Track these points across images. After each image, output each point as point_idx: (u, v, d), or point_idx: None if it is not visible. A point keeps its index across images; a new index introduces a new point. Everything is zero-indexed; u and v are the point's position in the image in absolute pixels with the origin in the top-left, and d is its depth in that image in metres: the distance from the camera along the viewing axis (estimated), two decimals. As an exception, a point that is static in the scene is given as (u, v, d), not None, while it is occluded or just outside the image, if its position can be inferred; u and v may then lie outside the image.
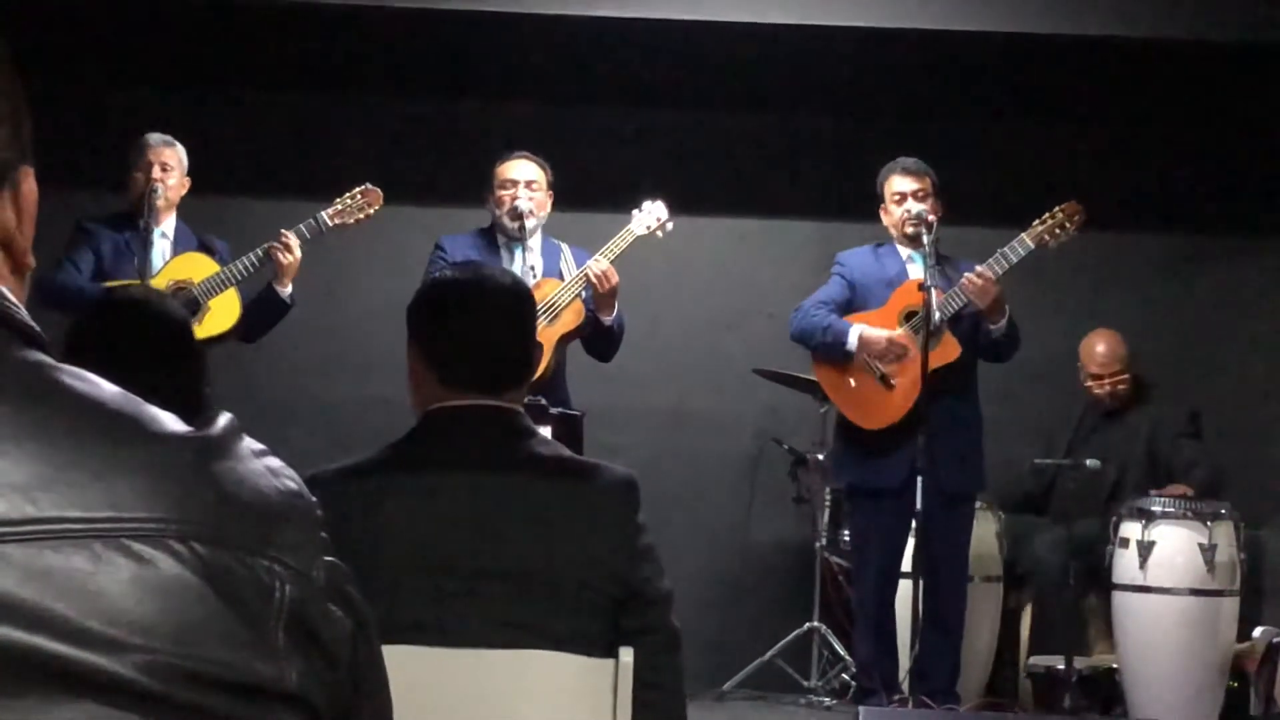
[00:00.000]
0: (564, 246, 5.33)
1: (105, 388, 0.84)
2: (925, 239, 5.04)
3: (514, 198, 5.21)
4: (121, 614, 0.75)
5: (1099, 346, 6.04)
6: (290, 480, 0.86)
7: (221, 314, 5.13)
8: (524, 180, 5.24)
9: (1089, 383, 6.04)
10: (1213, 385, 6.60)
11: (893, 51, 6.36)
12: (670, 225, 5.34)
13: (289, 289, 5.21)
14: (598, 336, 5.27)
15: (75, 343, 2.45)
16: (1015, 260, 5.13)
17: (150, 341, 2.43)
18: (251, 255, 5.14)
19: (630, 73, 6.61)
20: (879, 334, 5.17)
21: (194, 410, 0.87)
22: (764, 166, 6.76)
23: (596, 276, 5.11)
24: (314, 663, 0.82)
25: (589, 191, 6.19)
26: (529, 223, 5.17)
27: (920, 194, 5.21)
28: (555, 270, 5.26)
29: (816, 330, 5.22)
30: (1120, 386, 6.01)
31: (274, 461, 0.86)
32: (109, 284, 5.04)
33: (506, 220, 5.22)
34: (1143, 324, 6.54)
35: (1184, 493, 5.58)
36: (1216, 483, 5.79)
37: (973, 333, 5.22)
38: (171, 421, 0.83)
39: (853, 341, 5.18)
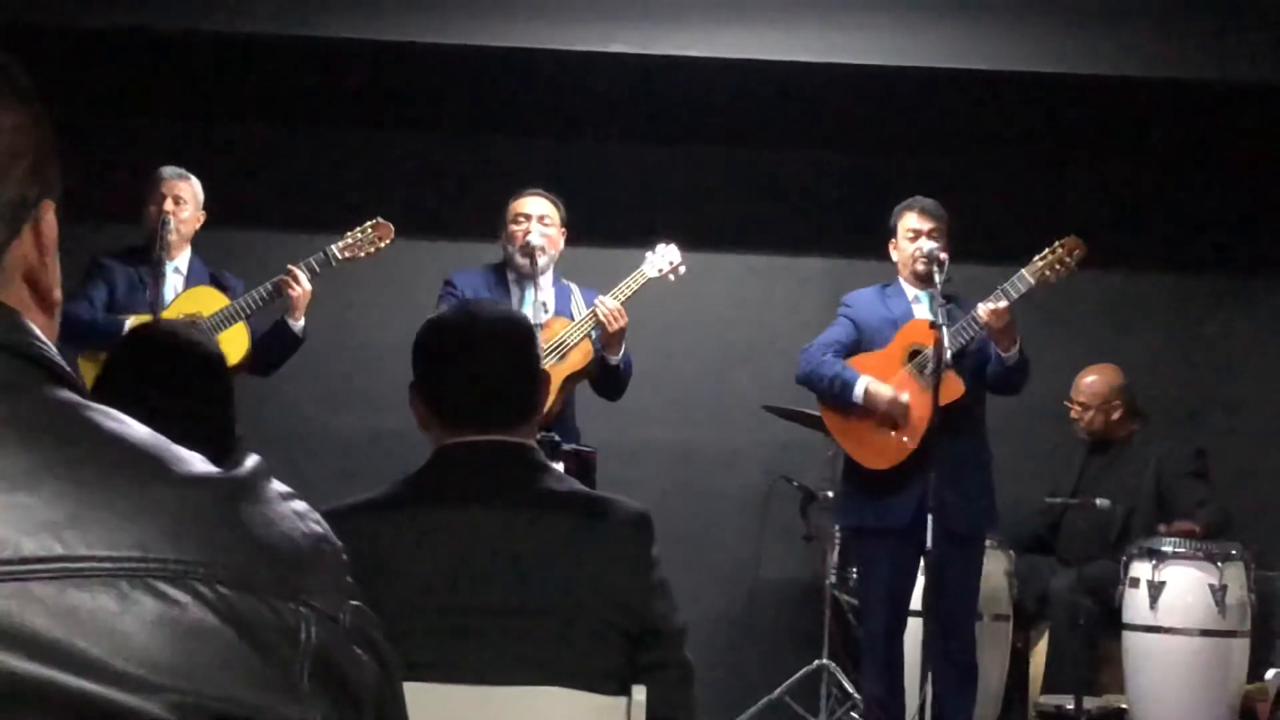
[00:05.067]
0: (574, 287, 5.33)
1: (135, 428, 0.84)
2: (936, 277, 5.04)
3: (526, 233, 5.21)
4: (147, 654, 0.76)
5: (1085, 378, 6.08)
6: (317, 524, 0.86)
7: (230, 348, 5.12)
8: (536, 215, 5.25)
9: (1073, 411, 6.06)
10: (1223, 425, 6.59)
11: (902, 89, 6.38)
12: (683, 269, 5.33)
13: (301, 322, 5.21)
14: (604, 377, 5.26)
15: (110, 375, 2.45)
16: (1016, 296, 5.10)
17: (186, 374, 2.42)
18: (260, 289, 5.15)
19: (643, 109, 6.63)
20: (884, 393, 5.14)
21: (225, 445, 0.88)
22: (774, 202, 6.77)
23: (605, 315, 5.11)
24: (339, 706, 0.82)
25: (601, 228, 6.20)
26: (541, 259, 5.17)
27: (934, 233, 5.22)
28: (565, 309, 5.25)
29: (824, 378, 5.21)
30: (1096, 420, 6.00)
31: (300, 505, 0.87)
32: (124, 317, 5.04)
33: (518, 256, 5.22)
34: (1152, 363, 6.54)
35: (1191, 530, 5.57)
36: (1224, 523, 5.78)
37: (977, 370, 5.21)
38: (200, 463, 0.84)
39: (858, 394, 5.16)
